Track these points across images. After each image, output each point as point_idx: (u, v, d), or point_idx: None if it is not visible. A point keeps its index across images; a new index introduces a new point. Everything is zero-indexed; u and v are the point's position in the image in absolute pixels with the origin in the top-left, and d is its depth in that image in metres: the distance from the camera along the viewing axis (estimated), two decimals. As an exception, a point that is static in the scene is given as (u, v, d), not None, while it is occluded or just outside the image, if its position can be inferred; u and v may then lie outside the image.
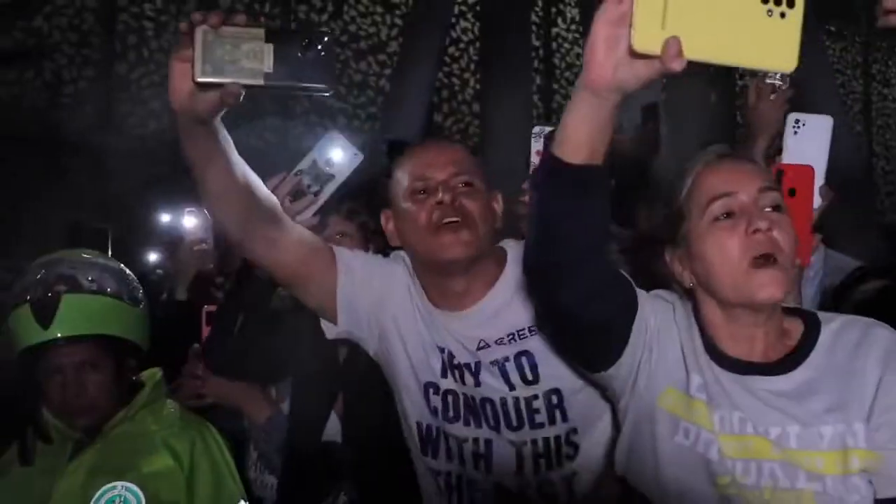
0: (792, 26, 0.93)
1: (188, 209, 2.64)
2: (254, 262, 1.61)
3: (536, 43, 7.58)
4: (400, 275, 1.65)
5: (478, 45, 7.02)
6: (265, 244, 1.50)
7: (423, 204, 1.54)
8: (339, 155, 1.66)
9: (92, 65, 5.97)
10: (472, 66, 7.19)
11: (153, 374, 1.85)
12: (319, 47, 1.15)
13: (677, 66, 0.95)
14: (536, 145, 1.78)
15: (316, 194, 1.66)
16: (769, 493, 1.24)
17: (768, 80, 2.07)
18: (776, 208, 1.30)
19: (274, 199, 1.48)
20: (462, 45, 7.20)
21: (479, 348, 1.56)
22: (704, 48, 0.95)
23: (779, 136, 1.91)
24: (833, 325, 1.33)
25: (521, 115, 6.31)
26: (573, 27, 7.74)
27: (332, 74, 1.17)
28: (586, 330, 1.28)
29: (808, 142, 1.59)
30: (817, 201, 1.55)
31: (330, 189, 1.66)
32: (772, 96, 2.04)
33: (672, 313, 1.37)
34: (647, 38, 0.95)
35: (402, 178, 1.58)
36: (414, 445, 1.65)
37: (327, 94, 1.16)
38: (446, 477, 1.61)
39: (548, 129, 1.77)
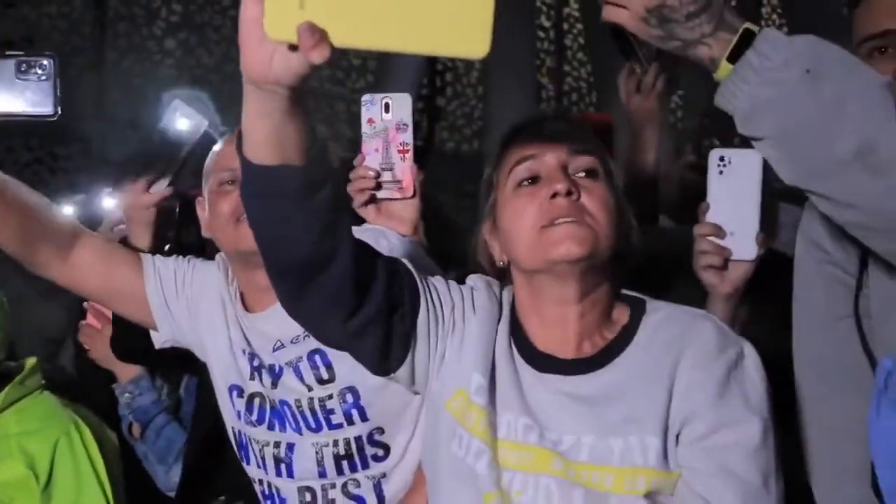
0: (481, 6, 0.78)
1: (107, 190, 2.56)
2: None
3: (547, 24, 7.39)
4: (214, 278, 1.64)
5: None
6: (57, 264, 1.49)
7: (227, 195, 1.53)
8: (185, 123, 1.67)
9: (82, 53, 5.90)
10: (478, 48, 7.00)
11: (25, 365, 1.73)
12: (39, 71, 1.12)
13: (316, 56, 0.79)
14: (367, 113, 1.59)
15: (169, 164, 1.70)
16: None
17: (635, 71, 1.94)
18: (590, 173, 1.17)
19: (63, 216, 1.52)
20: (467, 27, 7.02)
21: (275, 349, 1.52)
22: (362, 33, 0.79)
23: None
24: (655, 317, 1.19)
25: (526, 98, 6.15)
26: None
27: (53, 98, 1.15)
28: (347, 338, 1.16)
29: (736, 182, 1.37)
30: (753, 252, 1.37)
31: (181, 157, 1.69)
32: (638, 87, 1.95)
33: (472, 302, 1.23)
34: (282, 24, 0.79)
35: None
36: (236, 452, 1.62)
37: (51, 118, 1.13)
38: (259, 484, 1.58)
39: (379, 95, 1.60)
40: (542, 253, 1.15)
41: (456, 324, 1.21)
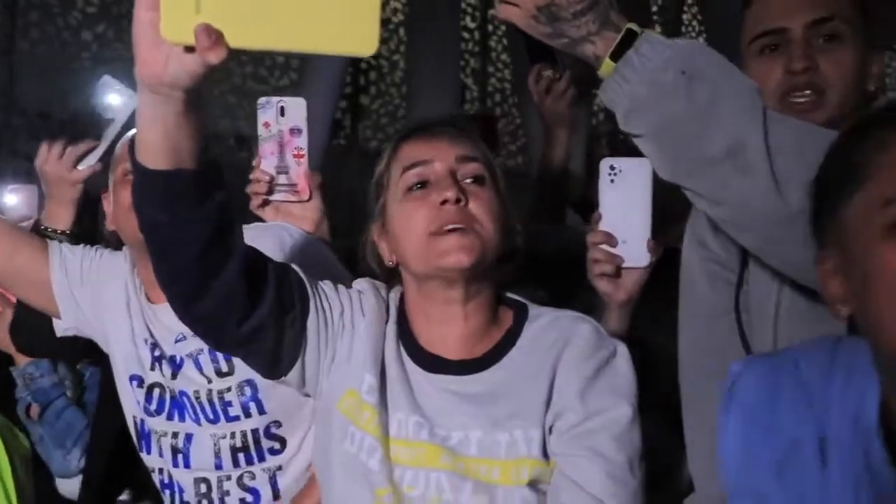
0: (369, 5, 0.81)
1: (10, 187, 2.51)
2: None
3: (472, 25, 7.45)
4: (120, 268, 1.63)
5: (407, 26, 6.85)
6: None
7: (123, 185, 1.54)
8: (116, 99, 1.66)
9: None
10: (402, 48, 7.02)
11: None
12: None
13: (213, 57, 0.81)
14: (262, 116, 1.59)
15: (97, 139, 1.70)
16: None
17: (544, 74, 1.97)
18: (478, 180, 1.22)
19: None
20: (391, 27, 7.02)
21: (177, 340, 1.52)
22: (256, 34, 0.81)
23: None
24: (541, 321, 1.24)
25: (449, 98, 6.19)
26: (510, 9, 7.58)
27: None
28: (238, 342, 1.17)
29: (627, 190, 1.38)
30: (645, 259, 1.38)
31: (111, 133, 1.68)
32: (548, 89, 1.97)
33: (360, 305, 1.25)
34: (178, 26, 0.80)
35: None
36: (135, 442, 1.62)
37: None
38: (158, 473, 1.59)
39: (275, 99, 1.60)
40: (431, 261, 1.19)
41: (345, 326, 1.24)
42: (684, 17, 8.40)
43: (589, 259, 1.40)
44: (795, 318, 1.24)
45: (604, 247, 1.39)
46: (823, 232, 0.91)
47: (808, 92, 1.26)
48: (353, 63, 6.36)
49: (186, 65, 0.85)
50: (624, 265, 1.39)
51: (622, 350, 1.22)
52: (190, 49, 0.83)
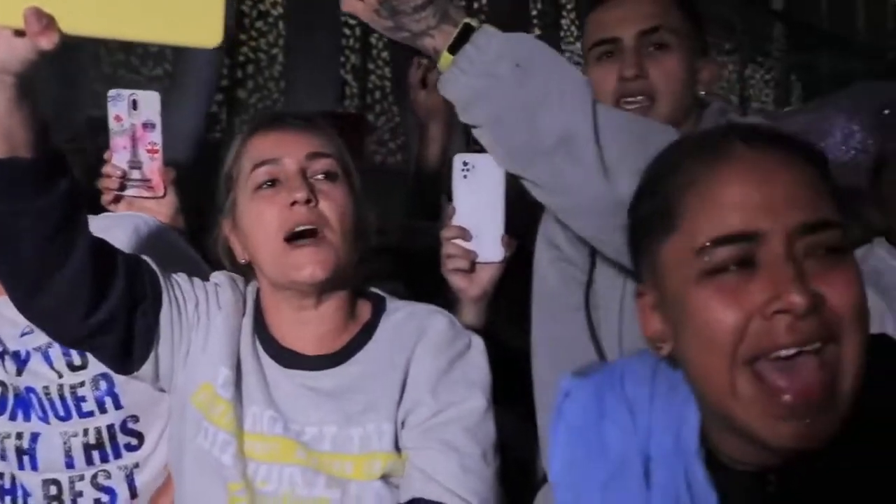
0: None
1: None
2: None
3: (352, 21, 7.40)
4: None
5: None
6: None
7: None
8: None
9: None
10: (281, 42, 6.93)
11: None
12: None
13: (45, 42, 0.80)
14: (113, 110, 1.55)
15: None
16: (287, 501, 1.17)
17: (420, 65, 1.99)
18: (329, 176, 1.21)
19: None
20: (270, 20, 6.91)
21: (23, 334, 1.42)
22: (92, 20, 0.80)
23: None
24: (398, 315, 1.26)
25: (328, 94, 6.14)
26: (391, 6, 7.58)
27: None
28: (85, 336, 1.16)
29: (480, 186, 1.40)
30: (499, 254, 1.40)
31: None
32: (424, 82, 1.98)
33: (216, 298, 1.25)
34: (7, 7, 0.79)
35: None
36: None
37: None
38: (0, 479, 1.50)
39: (126, 92, 1.57)
40: (285, 273, 1.19)
41: (200, 319, 1.23)
42: (563, 21, 8.62)
43: (443, 254, 1.42)
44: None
45: (457, 242, 1.40)
46: (641, 268, 0.91)
47: (640, 97, 1.35)
48: (230, 55, 6.23)
49: (16, 50, 0.84)
50: (478, 260, 1.40)
51: (477, 342, 1.26)
52: (20, 33, 0.81)
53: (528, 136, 1.13)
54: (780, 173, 0.81)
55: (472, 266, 1.41)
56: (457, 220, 1.41)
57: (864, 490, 0.79)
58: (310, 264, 1.17)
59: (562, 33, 8.38)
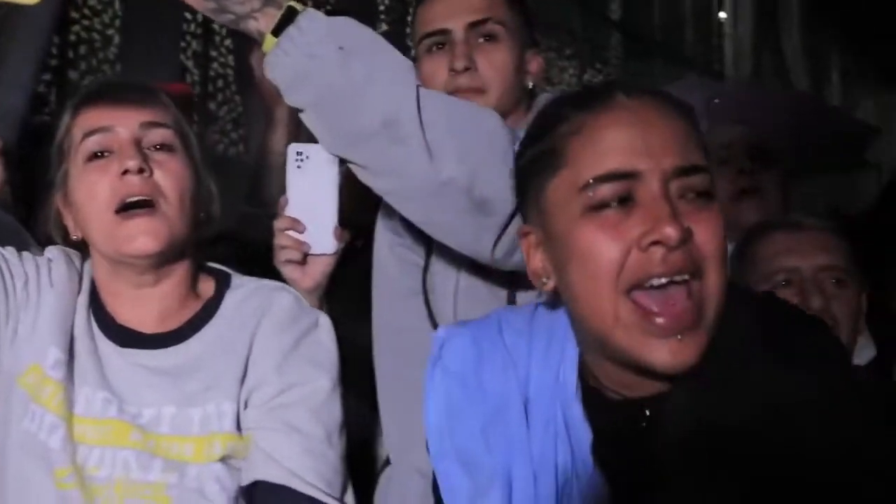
0: None
1: None
2: None
3: (194, 6, 7.15)
4: None
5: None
6: None
7: None
8: None
9: None
10: (117, 23, 6.61)
11: None
12: None
13: None
14: None
15: None
16: (120, 486, 1.12)
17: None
18: (166, 147, 1.19)
19: None
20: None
21: None
22: None
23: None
24: (242, 291, 1.24)
25: (168, 80, 5.91)
26: (236, -7, 7.38)
27: None
28: None
29: (314, 177, 1.36)
30: (332, 246, 1.37)
31: None
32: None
33: (48, 274, 1.20)
34: None
35: None
36: None
37: None
38: None
39: None
40: (116, 245, 1.15)
41: (30, 297, 1.16)
42: (409, 18, 8.67)
43: (275, 245, 1.38)
44: (472, 297, 1.34)
45: (290, 233, 1.36)
46: (527, 209, 0.98)
47: (470, 89, 1.37)
48: (60, 34, 5.89)
49: None
50: (311, 252, 1.36)
51: (324, 321, 1.24)
52: None
53: (353, 118, 1.13)
54: (656, 121, 0.89)
55: (305, 258, 1.37)
56: (290, 211, 1.37)
57: (720, 420, 0.86)
58: (141, 235, 1.13)
59: (408, 29, 8.43)
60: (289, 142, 2.04)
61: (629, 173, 0.87)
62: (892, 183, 2.94)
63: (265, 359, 1.18)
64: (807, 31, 10.82)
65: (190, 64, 6.94)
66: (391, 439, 1.47)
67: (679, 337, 0.84)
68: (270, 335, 1.19)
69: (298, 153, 1.38)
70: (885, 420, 0.84)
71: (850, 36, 11.81)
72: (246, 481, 1.15)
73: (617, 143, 0.88)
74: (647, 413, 0.90)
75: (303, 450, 1.15)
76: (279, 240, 1.37)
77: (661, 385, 0.89)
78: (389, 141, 1.13)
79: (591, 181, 0.87)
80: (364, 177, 1.19)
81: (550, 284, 0.94)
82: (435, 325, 1.39)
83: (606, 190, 0.87)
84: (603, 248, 0.86)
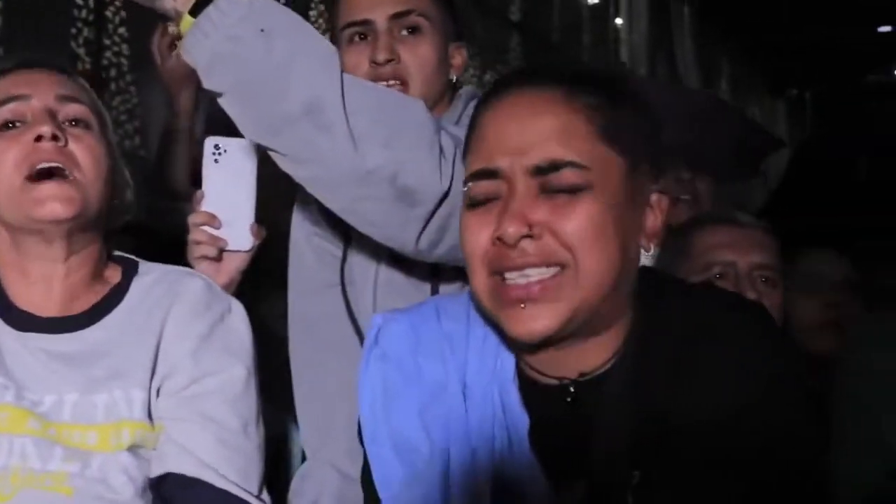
0: None
1: None
2: None
3: (87, -8, 6.89)
4: None
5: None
6: None
7: None
8: None
9: None
10: (0, 6, 6.30)
11: None
12: None
13: None
14: None
15: None
16: (17, 475, 1.07)
17: (171, 30, 1.91)
18: (81, 124, 1.15)
19: None
20: (-12, -18, 6.26)
21: None
22: None
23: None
24: (148, 278, 1.21)
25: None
26: (129, -20, 7.14)
27: None
28: None
29: (231, 171, 1.32)
30: (248, 242, 1.33)
31: None
32: (172, 46, 1.85)
33: None
34: None
35: None
36: None
37: None
38: None
39: None
40: (25, 210, 1.10)
41: None
42: (311, 13, 8.57)
43: (190, 241, 1.33)
44: (392, 288, 1.32)
45: (206, 228, 1.32)
46: None
47: (392, 81, 1.35)
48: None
49: None
50: (226, 248, 1.32)
51: (237, 308, 1.21)
52: None
53: (274, 103, 1.10)
54: (532, 116, 0.90)
55: (220, 254, 1.33)
56: (206, 206, 1.33)
57: (654, 405, 0.88)
58: (52, 200, 1.08)
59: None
60: (191, 130, 2.00)
61: (492, 171, 0.91)
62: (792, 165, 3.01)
63: (178, 345, 1.14)
64: (698, 39, 11.22)
65: (81, 52, 6.67)
66: (307, 434, 1.44)
67: (523, 306, 0.88)
68: (182, 321, 1.15)
69: (216, 146, 1.33)
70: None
71: (738, 44, 12.34)
72: (156, 473, 1.11)
73: (489, 140, 0.92)
74: (573, 390, 0.92)
75: (217, 441, 1.11)
76: (194, 235, 1.33)
77: (579, 365, 0.92)
78: (312, 128, 1.09)
79: (467, 178, 0.93)
80: (285, 165, 1.15)
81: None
82: (353, 317, 1.38)
83: (478, 187, 0.92)
84: (473, 241, 0.92)
